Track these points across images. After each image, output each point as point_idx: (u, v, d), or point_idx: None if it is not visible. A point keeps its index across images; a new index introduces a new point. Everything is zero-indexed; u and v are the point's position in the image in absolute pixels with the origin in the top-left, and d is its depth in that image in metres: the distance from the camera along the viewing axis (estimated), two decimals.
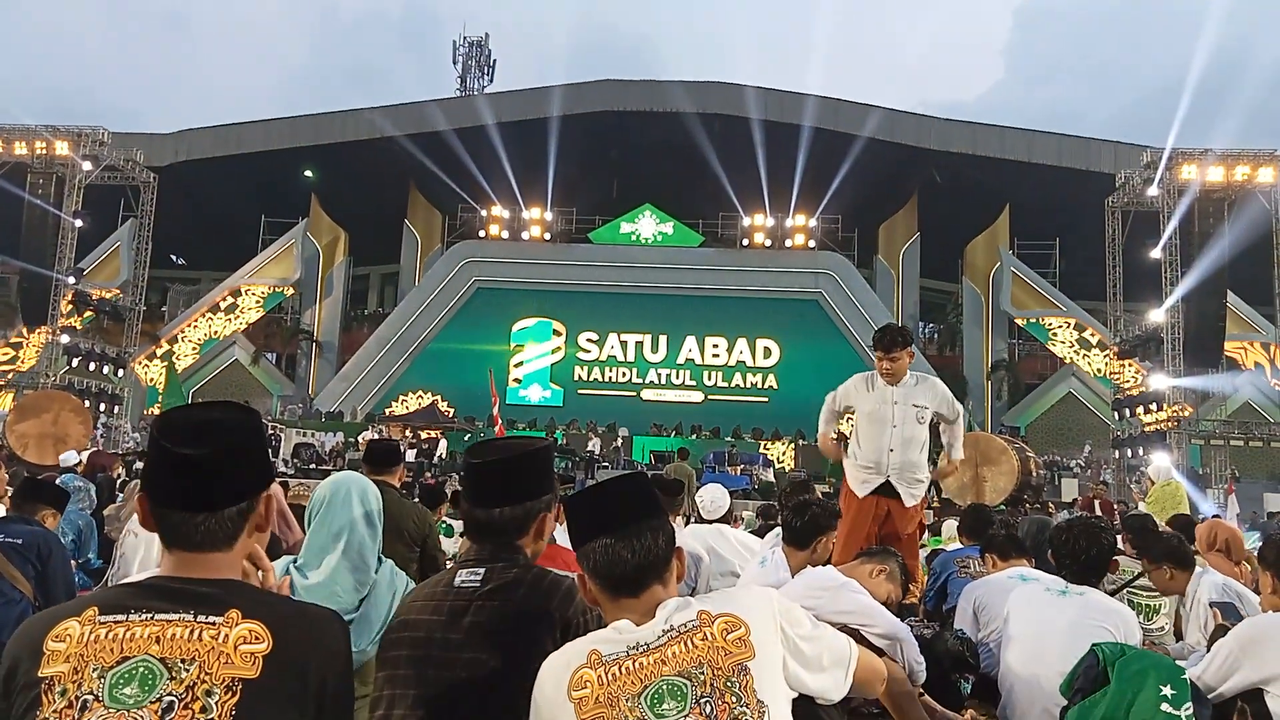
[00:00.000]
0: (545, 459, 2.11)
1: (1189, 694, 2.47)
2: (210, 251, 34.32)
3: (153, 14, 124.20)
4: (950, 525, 8.05)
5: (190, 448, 1.35)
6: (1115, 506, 13.72)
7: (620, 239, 31.19)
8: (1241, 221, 22.13)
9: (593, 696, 1.59)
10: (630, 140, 31.01)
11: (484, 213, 31.06)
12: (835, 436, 5.31)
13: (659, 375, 30.57)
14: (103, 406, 24.55)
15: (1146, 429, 23.41)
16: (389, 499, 4.29)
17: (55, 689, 1.25)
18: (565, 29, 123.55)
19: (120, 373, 26.10)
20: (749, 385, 30.32)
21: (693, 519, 6.17)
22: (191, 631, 1.29)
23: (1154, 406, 23.08)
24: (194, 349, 31.00)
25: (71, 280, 24.41)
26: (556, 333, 30.79)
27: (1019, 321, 30.83)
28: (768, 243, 30.50)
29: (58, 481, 6.33)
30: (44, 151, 23.80)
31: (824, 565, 3.46)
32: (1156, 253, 23.24)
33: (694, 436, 26.82)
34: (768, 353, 30.42)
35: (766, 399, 29.91)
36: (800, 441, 26.46)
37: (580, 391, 30.31)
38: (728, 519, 5.44)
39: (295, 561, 2.57)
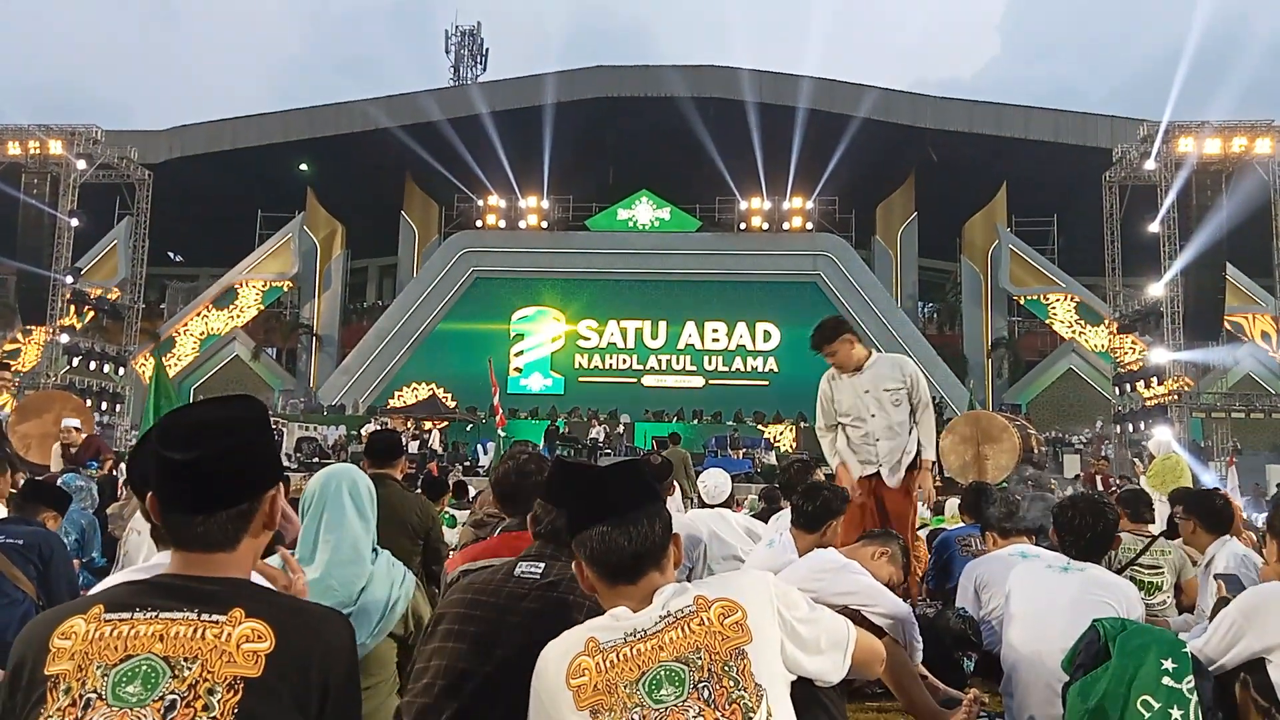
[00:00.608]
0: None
1: (1190, 667, 2.48)
2: (208, 248, 34.27)
3: (141, 6, 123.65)
4: (953, 504, 8.07)
5: (181, 452, 1.36)
6: (1114, 481, 13.73)
7: (617, 225, 31.13)
8: (1239, 193, 22.07)
9: (591, 684, 1.60)
10: (625, 126, 30.90)
11: (481, 202, 30.98)
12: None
13: (659, 361, 30.57)
14: (104, 405, 24.58)
15: (1147, 403, 23.42)
16: (391, 492, 4.31)
17: (60, 687, 1.26)
18: (557, 15, 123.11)
19: (121, 371, 26.13)
20: (749, 369, 30.33)
21: (694, 502, 6.19)
22: (195, 630, 1.30)
23: (1154, 381, 23.08)
24: (194, 345, 30.99)
25: (69, 280, 24.40)
26: (556, 320, 30.78)
27: (1018, 299, 30.79)
28: (765, 226, 30.42)
29: (59, 482, 6.34)
30: (38, 151, 23.74)
31: (829, 548, 3.47)
32: (1155, 226, 23.19)
33: (695, 421, 26.84)
34: (767, 336, 30.41)
35: (767, 382, 29.92)
36: (801, 424, 26.45)
37: (581, 379, 30.31)
38: (729, 503, 5.45)
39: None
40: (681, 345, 30.52)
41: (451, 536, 6.26)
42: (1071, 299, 29.61)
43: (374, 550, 2.69)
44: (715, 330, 30.55)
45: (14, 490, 5.41)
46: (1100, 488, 12.80)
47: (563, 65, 52.58)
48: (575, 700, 1.59)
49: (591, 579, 1.75)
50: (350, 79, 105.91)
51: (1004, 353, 30.99)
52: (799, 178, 29.44)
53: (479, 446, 23.35)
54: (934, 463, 5.04)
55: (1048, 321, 30.19)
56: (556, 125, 29.08)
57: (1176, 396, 22.46)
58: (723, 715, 1.55)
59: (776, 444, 25.46)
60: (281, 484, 1.47)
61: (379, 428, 22.08)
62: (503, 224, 30.90)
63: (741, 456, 21.69)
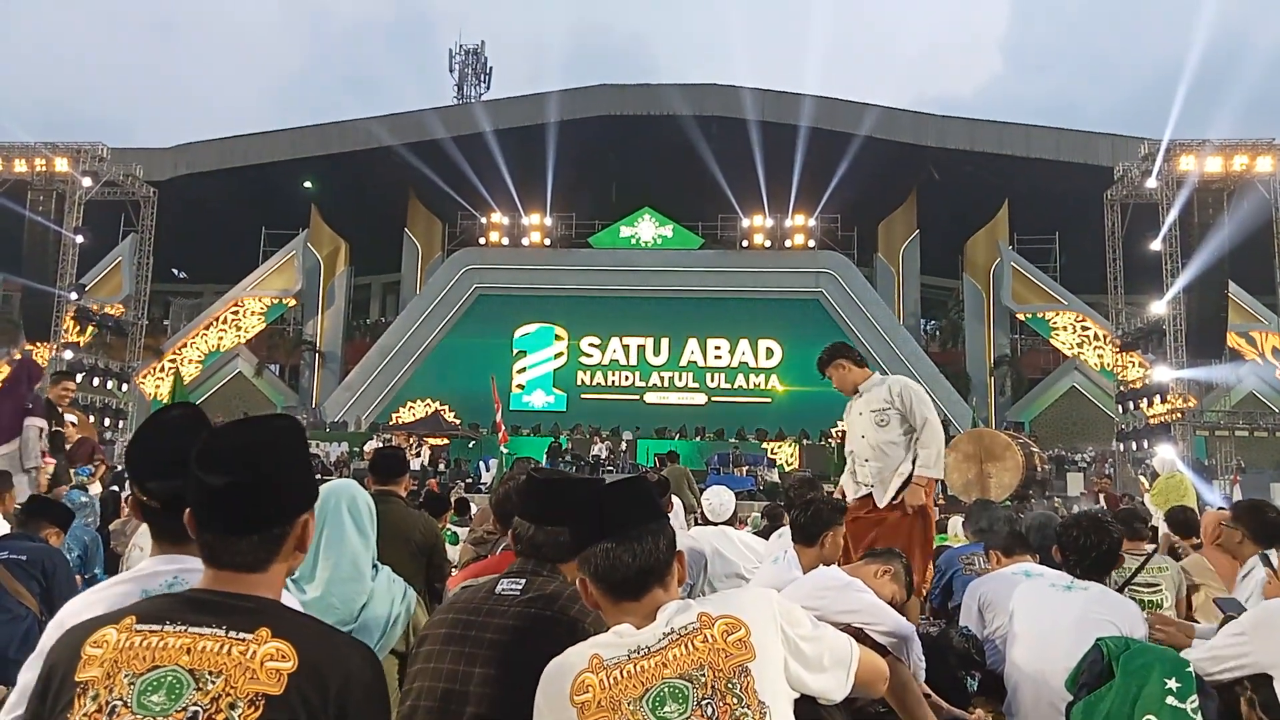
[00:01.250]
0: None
1: (1194, 687, 2.47)
2: (211, 265, 34.38)
3: (143, 23, 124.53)
4: (956, 522, 8.05)
5: (216, 477, 1.40)
6: (1120, 499, 13.70)
7: (620, 243, 31.22)
8: (1241, 212, 22.11)
9: (595, 700, 1.60)
10: (628, 144, 31.04)
11: (484, 220, 31.10)
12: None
13: (662, 378, 30.58)
14: (107, 421, 24.61)
15: (1151, 421, 23.38)
16: (395, 509, 4.31)
17: (88, 693, 1.30)
18: (559, 34, 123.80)
19: (124, 387, 26.18)
20: (752, 386, 30.33)
21: (697, 519, 6.18)
22: (221, 646, 1.33)
23: (1157, 399, 23.05)
24: (197, 363, 31.04)
25: (74, 296, 24.49)
26: (559, 337, 30.82)
27: (1020, 316, 30.81)
28: (767, 243, 30.51)
29: (63, 499, 6.35)
30: (44, 168, 23.88)
31: (832, 565, 3.47)
32: (1156, 245, 23.22)
33: (698, 438, 26.80)
34: (770, 353, 30.42)
35: (769, 399, 29.92)
36: (804, 441, 26.43)
37: (584, 396, 30.31)
38: (733, 521, 5.45)
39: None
40: (684, 362, 30.54)
41: (453, 554, 6.25)
42: (1074, 317, 29.61)
43: (374, 566, 2.69)
44: (718, 347, 30.57)
45: (18, 507, 5.42)
46: (1106, 505, 12.76)
47: (564, 83, 53.09)
48: (579, 717, 1.59)
49: (595, 595, 1.75)
50: (352, 95, 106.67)
51: (1007, 370, 30.97)
52: (801, 195, 29.53)
53: (481, 463, 23.33)
54: (932, 480, 5.02)
55: (1050, 339, 30.18)
56: (560, 143, 29.22)
57: (1180, 415, 22.42)
58: None
59: (779, 461, 25.41)
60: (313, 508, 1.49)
61: (381, 445, 22.14)
62: (506, 241, 31.01)
63: (744, 474, 21.66)
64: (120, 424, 25.90)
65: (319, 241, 32.32)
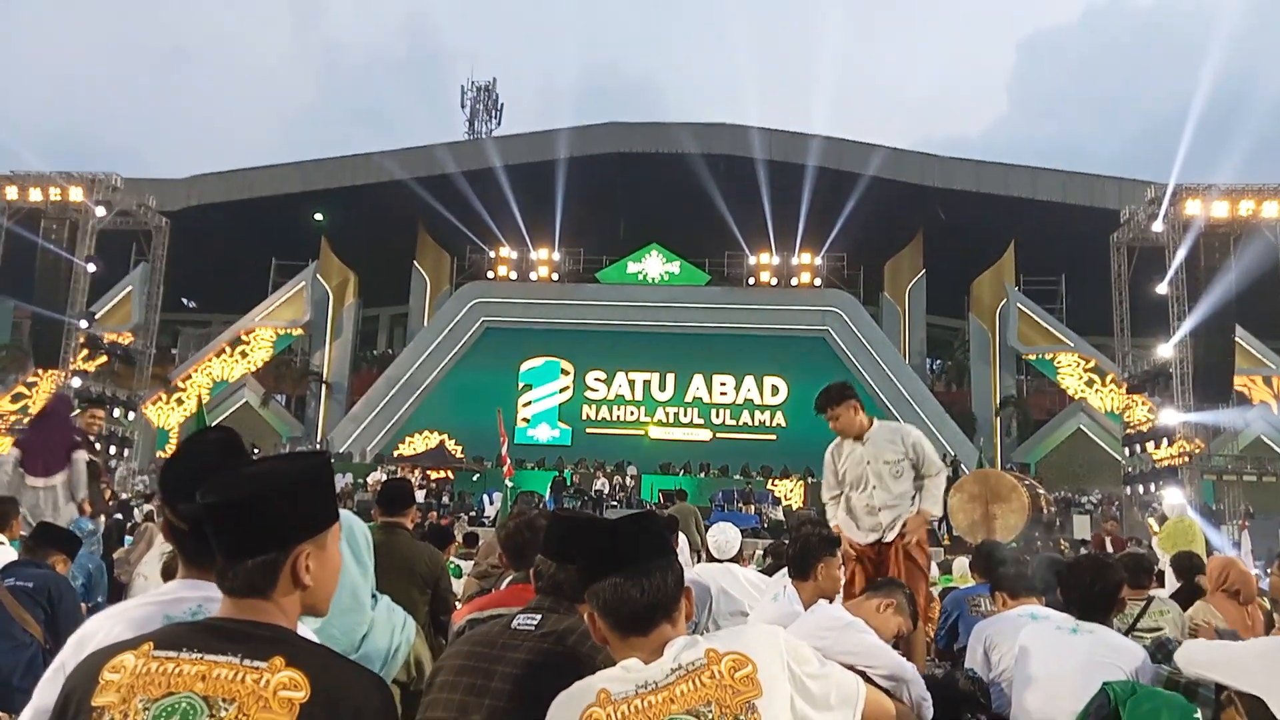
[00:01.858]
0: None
1: None
2: (221, 295, 34.58)
3: (155, 53, 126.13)
4: (962, 563, 8.01)
5: (210, 497, 1.43)
6: (1127, 543, 13.60)
7: (627, 278, 31.36)
8: (1248, 256, 22.14)
9: None
10: (636, 181, 31.29)
11: (492, 254, 31.30)
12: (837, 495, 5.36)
13: (667, 414, 30.55)
14: (112, 449, 24.62)
15: (1158, 465, 23.26)
16: (401, 540, 4.32)
17: (105, 718, 1.33)
18: (570, 72, 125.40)
19: (131, 415, 26.21)
20: (757, 423, 30.27)
21: (701, 557, 6.16)
22: (236, 674, 1.35)
23: (1165, 442, 22.94)
24: (205, 392, 31.10)
25: (83, 324, 24.63)
26: (564, 372, 30.86)
27: (1027, 357, 30.77)
28: (774, 281, 30.63)
29: (71, 526, 6.36)
30: (58, 197, 24.12)
31: (833, 601, 3.46)
32: (1163, 288, 23.24)
33: (702, 475, 26.73)
34: (775, 390, 30.40)
35: (775, 437, 29.83)
36: (809, 479, 26.32)
37: (589, 430, 30.28)
38: (738, 558, 5.44)
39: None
40: (689, 398, 30.53)
41: (457, 587, 6.23)
42: (1080, 358, 29.57)
43: (373, 596, 2.69)
44: (723, 384, 30.58)
45: (22, 534, 5.44)
46: (1111, 549, 12.67)
47: (574, 121, 53.62)
48: None
49: (603, 630, 1.76)
50: (362, 128, 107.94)
51: (1012, 411, 30.89)
52: (808, 234, 29.70)
53: (485, 496, 23.27)
54: (936, 518, 5.12)
55: (1056, 380, 30.13)
56: (569, 179, 29.46)
57: (1187, 458, 22.29)
58: None
59: (790, 500, 25.32)
60: (313, 542, 1.49)
61: (386, 476, 22.10)
62: (514, 275, 31.18)
63: (754, 511, 21.58)
64: (125, 452, 25.90)
65: (328, 273, 32.53)
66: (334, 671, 1.41)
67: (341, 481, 24.20)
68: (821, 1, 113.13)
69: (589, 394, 30.75)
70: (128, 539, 8.46)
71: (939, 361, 35.19)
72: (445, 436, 29.38)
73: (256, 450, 19.39)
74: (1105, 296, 25.68)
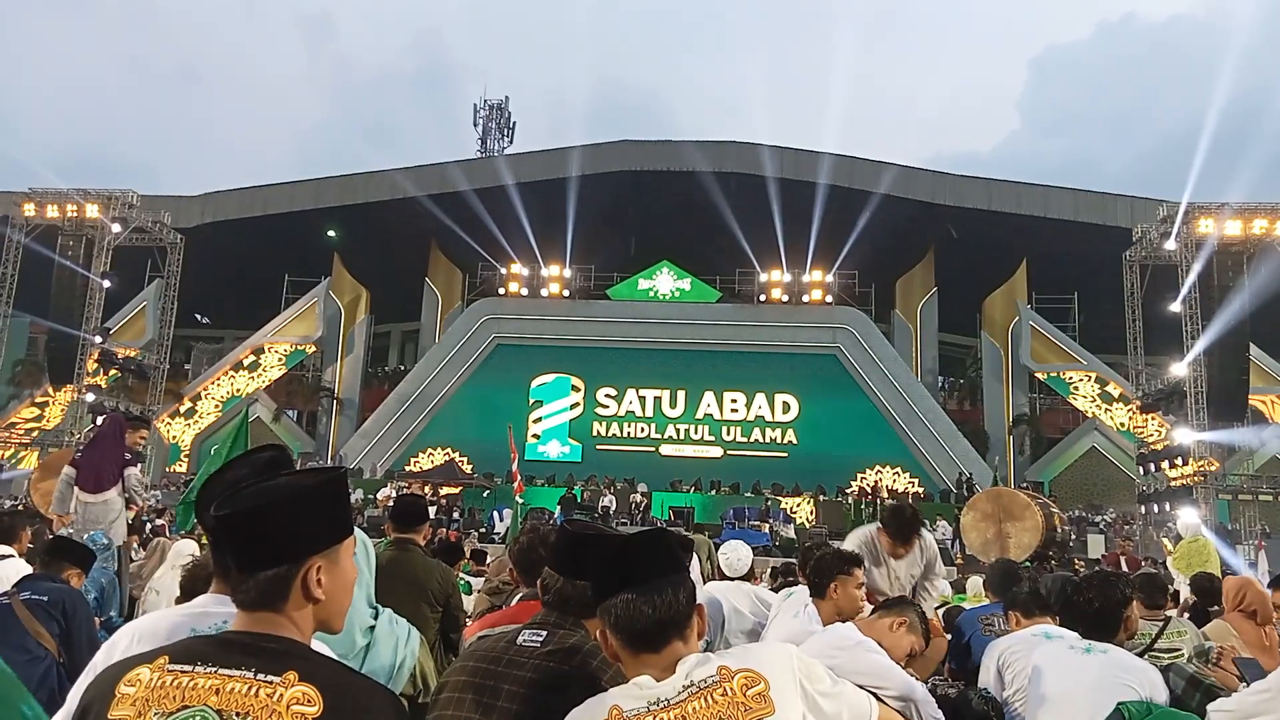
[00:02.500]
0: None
1: None
2: (234, 310, 34.80)
3: (168, 70, 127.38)
4: (976, 582, 7.96)
5: (217, 509, 1.44)
6: (1142, 562, 13.49)
7: (638, 295, 31.42)
8: (1261, 274, 22.04)
9: None
10: (648, 199, 31.40)
11: (504, 270, 31.43)
12: None
13: (678, 430, 30.53)
14: None
15: (1173, 484, 23.09)
16: (414, 557, 4.32)
17: None
18: (581, 89, 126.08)
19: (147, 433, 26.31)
20: (768, 440, 30.21)
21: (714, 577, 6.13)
22: (249, 688, 1.35)
23: (1179, 461, 22.79)
24: (217, 407, 31.25)
25: (98, 339, 24.80)
26: (575, 388, 30.88)
27: (1039, 375, 30.64)
28: (785, 298, 30.63)
29: (87, 540, 6.39)
30: (75, 214, 24.37)
31: (847, 621, 3.44)
32: (1176, 306, 23.15)
33: (713, 492, 26.66)
34: (786, 408, 30.34)
35: (786, 454, 29.76)
36: (821, 496, 26.25)
37: (599, 447, 30.27)
38: (749, 576, 5.41)
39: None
40: (700, 415, 30.50)
41: (467, 604, 6.22)
42: (1093, 377, 29.42)
43: (374, 609, 2.68)
44: (734, 401, 30.54)
45: (31, 545, 5.47)
46: (1126, 569, 12.56)
47: (585, 138, 53.91)
48: None
49: (615, 647, 1.76)
50: (373, 145, 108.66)
51: (1026, 429, 30.74)
52: (819, 251, 29.71)
53: (495, 513, 23.27)
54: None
55: (1070, 399, 29.98)
56: (580, 197, 29.59)
57: (1202, 477, 22.13)
58: None
59: (796, 516, 25.21)
60: (325, 556, 1.49)
61: (395, 492, 22.11)
62: (525, 292, 31.29)
63: (762, 529, 21.50)
64: (138, 466, 25.96)
65: (340, 289, 32.70)
66: (347, 687, 1.41)
67: (352, 498, 24.22)
68: (833, 18, 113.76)
69: (599, 410, 30.76)
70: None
71: (951, 379, 35.06)
72: (456, 453, 29.42)
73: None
74: (1118, 314, 25.60)
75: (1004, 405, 30.95)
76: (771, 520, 22.83)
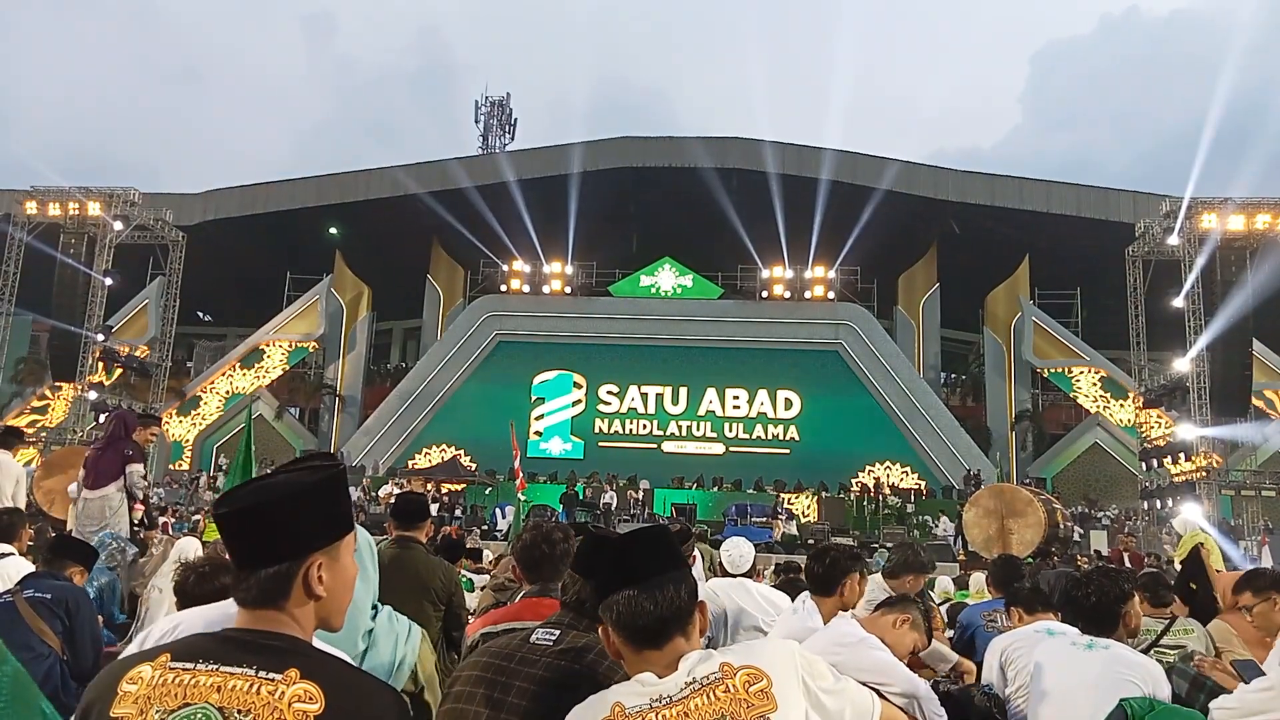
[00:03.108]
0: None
1: None
2: (236, 308, 34.83)
3: (170, 68, 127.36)
4: (978, 578, 7.96)
5: (221, 507, 1.45)
6: (1145, 559, 13.49)
7: (640, 292, 31.41)
8: (1265, 269, 22.02)
9: None
10: (649, 195, 31.38)
11: (505, 267, 31.42)
12: None
13: (680, 427, 30.53)
14: None
15: (1175, 479, 23.08)
16: (416, 555, 4.32)
17: None
18: (582, 85, 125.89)
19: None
20: (770, 437, 30.21)
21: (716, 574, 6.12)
22: (251, 685, 1.36)
23: (1182, 457, 22.77)
24: (219, 405, 31.28)
25: (100, 338, 24.84)
26: (577, 385, 30.89)
27: (1042, 371, 30.62)
28: (787, 294, 30.61)
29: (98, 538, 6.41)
30: (77, 212, 24.38)
31: (849, 616, 3.44)
32: (1179, 302, 23.14)
33: (715, 489, 26.67)
34: (789, 404, 30.34)
35: (788, 450, 29.76)
36: (823, 493, 26.25)
37: (601, 444, 30.28)
38: (751, 573, 5.41)
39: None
40: (702, 411, 30.50)
41: (470, 601, 6.22)
42: (1096, 372, 29.39)
43: (374, 607, 2.68)
44: (736, 397, 30.53)
45: (31, 542, 5.48)
46: (1130, 565, 12.56)
47: (586, 135, 53.91)
48: None
49: (617, 644, 1.76)
50: (374, 142, 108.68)
51: (1028, 425, 30.72)
52: (821, 247, 29.69)
53: (497, 510, 23.29)
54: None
55: (1072, 395, 29.96)
56: (582, 193, 29.59)
57: (1205, 473, 22.12)
58: None
59: (798, 513, 25.22)
60: (325, 553, 1.49)
61: (396, 490, 22.13)
62: (527, 289, 31.29)
63: (762, 525, 21.51)
64: (141, 463, 26.00)
65: (342, 287, 32.71)
66: (349, 684, 1.41)
67: (354, 495, 24.28)
68: (834, 14, 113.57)
69: (601, 407, 30.77)
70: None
71: (953, 375, 35.04)
72: (458, 450, 29.44)
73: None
74: (1121, 310, 25.57)
75: (1006, 401, 30.93)
76: (769, 516, 22.85)
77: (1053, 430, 31.00)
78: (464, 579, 7.64)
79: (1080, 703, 2.89)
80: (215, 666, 1.37)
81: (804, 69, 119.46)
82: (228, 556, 1.49)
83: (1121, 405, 28.66)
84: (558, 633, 2.13)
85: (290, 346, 32.00)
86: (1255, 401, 24.17)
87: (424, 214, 30.32)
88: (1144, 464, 24.90)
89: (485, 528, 21.55)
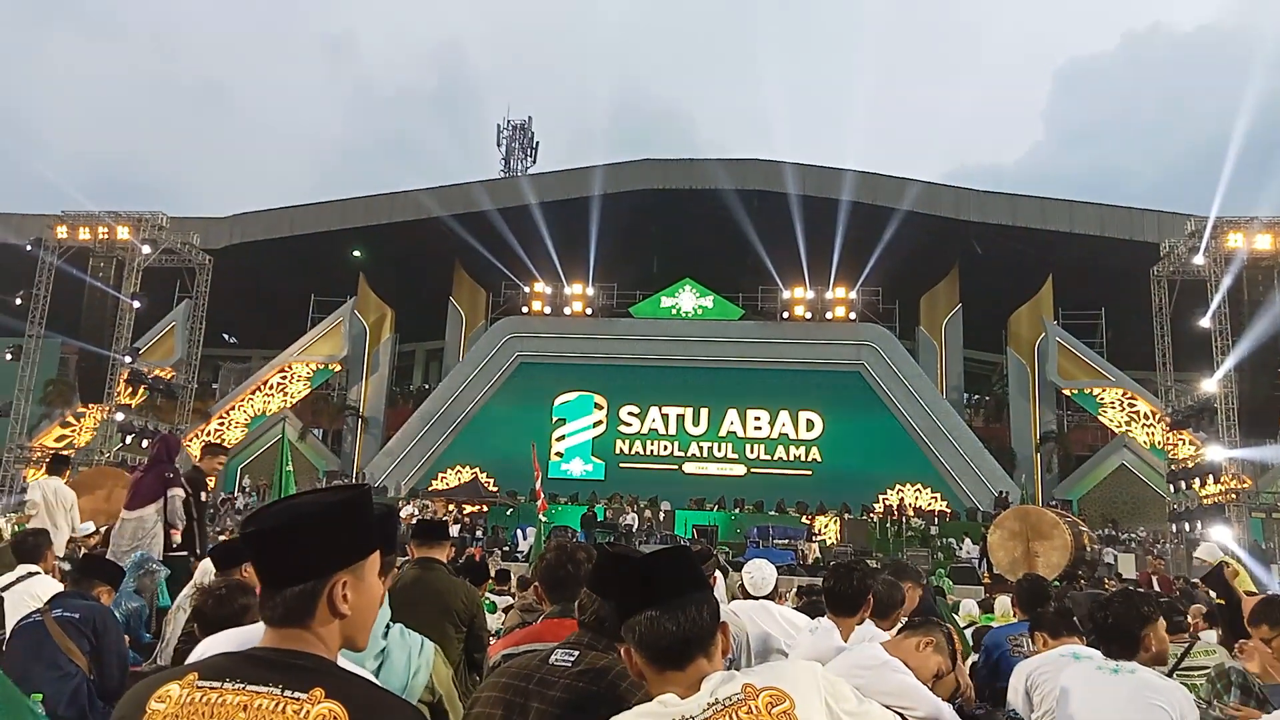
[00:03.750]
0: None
1: None
2: (261, 330, 35.15)
3: (192, 87, 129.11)
4: (1004, 601, 7.87)
5: (247, 526, 1.48)
6: (1175, 582, 13.27)
7: (661, 313, 31.45)
8: None
9: None
10: (670, 217, 31.48)
11: (527, 289, 31.60)
12: None
13: (701, 448, 30.45)
14: None
15: (1204, 502, 22.74)
16: (438, 576, 4.33)
17: None
18: (601, 102, 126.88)
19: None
20: (792, 458, 30.05)
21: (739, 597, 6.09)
22: (277, 704, 1.37)
23: (1210, 479, 22.45)
24: (243, 426, 31.53)
25: (128, 359, 25.12)
26: (598, 406, 30.91)
27: (1067, 392, 30.32)
28: (808, 315, 30.54)
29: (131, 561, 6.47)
30: (106, 236, 24.73)
31: (873, 640, 3.42)
32: (1205, 322, 22.86)
33: (736, 510, 26.53)
34: (810, 425, 30.20)
35: (810, 472, 29.59)
36: (846, 515, 26.06)
37: (622, 465, 30.24)
38: (773, 595, 5.38)
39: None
40: (723, 433, 30.41)
41: (491, 623, 6.22)
42: (1122, 393, 29.07)
43: (386, 625, 2.69)
44: (757, 418, 30.43)
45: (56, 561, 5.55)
46: (1159, 589, 12.37)
47: (606, 156, 54.19)
48: None
49: (639, 664, 1.76)
50: (394, 161, 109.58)
51: (1053, 447, 30.40)
52: (842, 268, 29.63)
53: (518, 531, 23.28)
54: None
55: (1098, 416, 29.63)
56: (603, 215, 29.72)
57: (1235, 496, 21.78)
58: None
59: (821, 535, 25.04)
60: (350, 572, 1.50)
61: (417, 511, 22.20)
62: (548, 310, 31.42)
63: (785, 548, 21.37)
64: (181, 489, 26.22)
65: (365, 309, 32.98)
66: (373, 703, 1.42)
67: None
68: (855, 31, 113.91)
69: (622, 429, 30.75)
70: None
71: (976, 396, 34.76)
72: (479, 471, 29.49)
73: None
74: (1147, 330, 25.30)
75: (1031, 422, 30.64)
76: (791, 538, 22.70)
77: (1079, 452, 30.64)
78: (488, 602, 7.66)
79: None
80: (242, 685, 1.39)
81: (824, 87, 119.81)
82: (248, 574, 1.52)
83: (1148, 426, 28.31)
84: (576, 653, 2.12)
85: (314, 368, 32.25)
86: None
87: (447, 236, 30.56)
88: (1172, 486, 24.55)
89: (506, 549, 21.55)
